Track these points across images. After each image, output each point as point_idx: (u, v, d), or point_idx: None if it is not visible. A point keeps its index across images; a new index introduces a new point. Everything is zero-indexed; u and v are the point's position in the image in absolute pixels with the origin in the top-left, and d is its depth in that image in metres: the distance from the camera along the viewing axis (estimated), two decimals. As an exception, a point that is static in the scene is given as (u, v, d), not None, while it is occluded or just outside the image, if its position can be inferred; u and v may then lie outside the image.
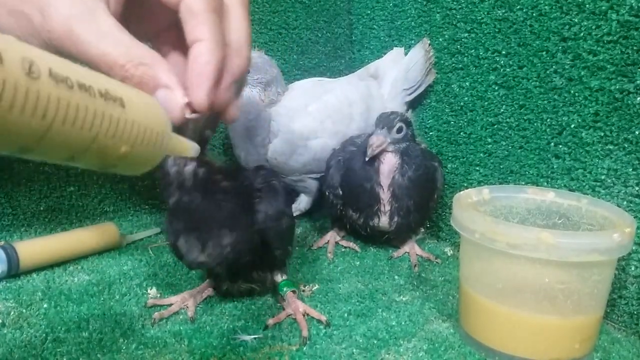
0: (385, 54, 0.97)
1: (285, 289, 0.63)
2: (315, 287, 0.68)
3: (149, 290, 0.65)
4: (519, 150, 0.73)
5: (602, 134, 0.63)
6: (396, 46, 0.96)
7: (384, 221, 0.79)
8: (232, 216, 0.56)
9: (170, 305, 0.62)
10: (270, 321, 0.59)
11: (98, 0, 0.40)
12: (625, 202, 0.61)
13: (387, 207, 0.77)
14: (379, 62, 0.95)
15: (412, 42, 0.92)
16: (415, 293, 0.69)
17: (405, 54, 0.93)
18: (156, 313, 0.60)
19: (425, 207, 0.82)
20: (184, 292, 0.63)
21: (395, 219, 0.78)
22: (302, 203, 0.93)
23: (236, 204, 0.57)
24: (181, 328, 0.58)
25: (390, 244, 0.84)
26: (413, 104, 0.93)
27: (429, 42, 0.88)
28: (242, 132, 0.83)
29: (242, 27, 0.44)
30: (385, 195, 0.77)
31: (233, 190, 0.56)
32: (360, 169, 0.77)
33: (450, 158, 0.85)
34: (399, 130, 0.74)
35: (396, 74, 0.91)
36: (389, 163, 0.75)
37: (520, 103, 0.72)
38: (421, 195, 0.79)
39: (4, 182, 0.79)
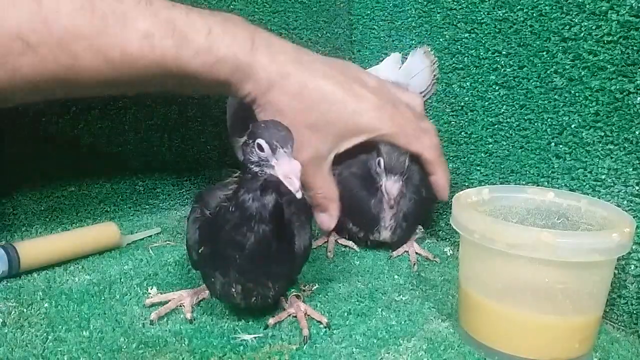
0: (384, 56, 0.97)
1: (291, 290, 0.64)
2: (315, 287, 0.68)
3: (149, 290, 0.65)
4: (519, 150, 0.73)
5: (603, 133, 0.63)
6: (396, 47, 0.96)
7: (385, 235, 0.80)
8: (281, 262, 0.59)
9: (167, 302, 0.62)
10: (271, 320, 0.59)
11: (330, 153, 0.71)
12: (625, 202, 0.61)
13: (390, 224, 0.78)
14: (376, 69, 0.95)
15: (412, 42, 0.91)
16: (415, 292, 0.69)
17: (403, 60, 0.93)
18: (153, 313, 0.60)
19: (426, 215, 0.85)
20: (181, 290, 0.63)
21: (398, 232, 0.79)
22: None
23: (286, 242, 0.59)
24: (181, 327, 0.58)
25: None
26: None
27: (430, 49, 0.88)
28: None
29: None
30: (388, 215, 0.78)
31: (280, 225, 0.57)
32: (362, 194, 0.78)
33: (451, 158, 0.85)
34: (408, 168, 0.75)
35: (394, 80, 0.91)
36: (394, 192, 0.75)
37: (521, 103, 0.72)
38: (424, 209, 0.83)
39: (4, 182, 0.79)
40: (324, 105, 0.68)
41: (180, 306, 0.62)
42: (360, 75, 0.74)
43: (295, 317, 0.61)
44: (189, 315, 0.60)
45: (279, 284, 0.60)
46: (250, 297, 0.58)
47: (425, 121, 0.77)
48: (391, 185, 0.74)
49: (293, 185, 0.50)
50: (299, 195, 0.50)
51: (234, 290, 0.57)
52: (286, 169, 0.51)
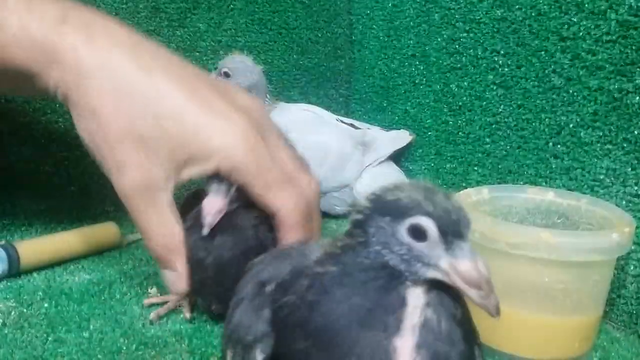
0: (383, 56, 0.97)
1: None
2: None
3: (149, 290, 0.65)
4: (517, 150, 0.73)
5: (601, 133, 0.63)
6: (395, 47, 0.96)
7: None
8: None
9: (166, 303, 0.62)
10: None
11: (169, 182, 0.50)
12: (624, 202, 0.61)
13: None
14: (378, 136, 0.94)
15: (411, 42, 0.92)
16: (415, 292, 0.69)
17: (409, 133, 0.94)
18: (152, 313, 0.60)
19: None
20: None
21: None
22: None
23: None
24: (181, 327, 0.58)
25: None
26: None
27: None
28: None
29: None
30: None
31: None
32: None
33: (448, 158, 0.85)
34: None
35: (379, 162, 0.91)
36: None
37: (519, 103, 0.72)
38: None
39: (4, 182, 0.79)
40: (160, 112, 0.48)
41: (180, 306, 0.62)
42: (230, 90, 0.56)
43: None
44: (188, 315, 0.60)
45: None
46: None
47: (303, 171, 0.55)
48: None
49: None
50: (204, 231, 0.50)
51: (214, 307, 0.57)
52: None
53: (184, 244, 0.52)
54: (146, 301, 0.63)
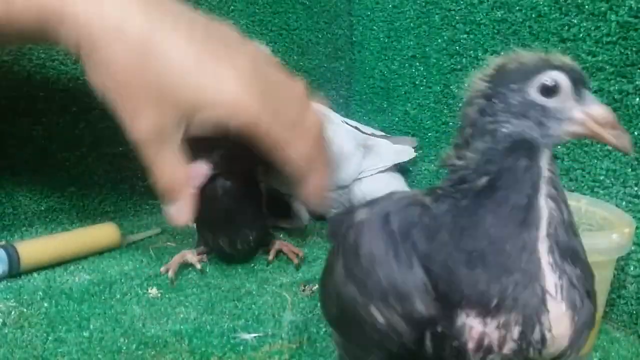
0: (383, 56, 0.97)
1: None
2: (315, 287, 0.68)
3: (149, 290, 0.65)
4: (518, 151, 0.73)
5: (601, 134, 0.63)
6: (395, 48, 0.96)
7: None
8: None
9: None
10: (270, 257, 0.76)
11: (175, 127, 0.51)
12: (624, 203, 0.61)
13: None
14: (382, 144, 0.94)
15: (411, 43, 0.92)
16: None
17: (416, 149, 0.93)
18: (163, 267, 0.70)
19: None
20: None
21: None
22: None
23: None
24: (181, 327, 0.58)
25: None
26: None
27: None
28: None
29: None
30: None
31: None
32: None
33: (449, 159, 0.85)
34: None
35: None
36: None
37: (519, 104, 0.72)
38: None
39: (5, 182, 0.79)
40: (168, 63, 0.50)
41: (185, 262, 0.72)
42: (235, 38, 0.55)
43: (281, 251, 0.77)
44: (199, 265, 0.71)
45: (255, 233, 0.73)
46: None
47: (310, 110, 0.56)
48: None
49: None
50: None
51: (221, 241, 0.71)
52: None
53: (190, 182, 0.55)
54: (163, 268, 0.70)
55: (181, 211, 0.55)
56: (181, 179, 0.55)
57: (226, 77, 0.51)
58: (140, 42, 0.49)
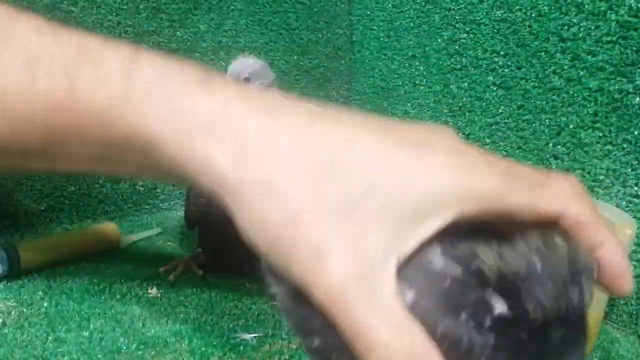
0: (384, 56, 0.97)
1: None
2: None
3: (149, 290, 0.65)
4: (517, 151, 0.73)
5: (601, 134, 0.63)
6: (395, 47, 0.96)
7: None
8: None
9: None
10: None
11: (389, 255, 0.31)
12: (624, 203, 0.61)
13: None
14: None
15: (411, 43, 0.92)
16: (415, 293, 0.69)
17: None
18: (162, 268, 0.69)
19: None
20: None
21: None
22: None
23: None
24: (181, 327, 0.58)
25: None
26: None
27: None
28: None
29: None
30: None
31: None
32: None
33: (449, 158, 0.85)
34: None
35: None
36: None
37: (519, 104, 0.72)
38: None
39: (5, 182, 0.79)
40: (358, 166, 0.32)
41: (188, 265, 0.71)
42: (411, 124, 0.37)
43: None
44: (201, 272, 0.70)
45: None
46: None
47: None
48: None
49: None
50: None
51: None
52: None
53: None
54: (162, 269, 0.70)
55: None
56: (409, 346, 0.30)
57: (444, 165, 0.33)
58: (313, 153, 0.33)
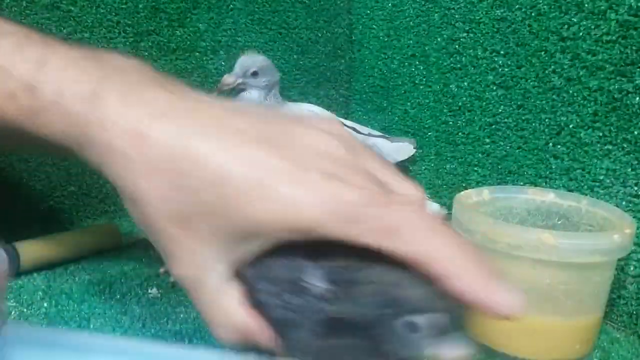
0: (383, 56, 0.97)
1: None
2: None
3: (149, 290, 0.65)
4: (517, 151, 0.73)
5: (601, 134, 0.63)
6: (395, 47, 0.96)
7: None
8: None
9: None
10: None
11: (217, 263, 0.38)
12: (624, 202, 0.61)
13: None
14: (380, 144, 0.93)
15: (411, 42, 0.92)
16: (415, 292, 0.69)
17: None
18: (161, 269, 0.68)
19: None
20: None
21: None
22: None
23: None
24: (182, 327, 0.58)
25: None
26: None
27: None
28: None
29: None
30: None
31: None
32: None
33: (448, 158, 0.85)
34: None
35: None
36: None
37: (519, 103, 0.72)
38: None
39: (4, 182, 0.79)
40: (198, 183, 0.36)
41: None
42: (292, 127, 0.40)
43: None
44: None
45: None
46: None
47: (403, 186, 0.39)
48: None
49: None
50: None
51: None
52: None
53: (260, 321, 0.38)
54: (162, 269, 0.68)
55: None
56: (246, 327, 0.38)
57: (275, 192, 0.35)
58: (164, 161, 0.37)
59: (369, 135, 0.93)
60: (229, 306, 0.39)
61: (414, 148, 0.91)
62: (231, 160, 0.36)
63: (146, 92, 0.40)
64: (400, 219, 0.34)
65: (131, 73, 0.41)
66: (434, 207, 0.82)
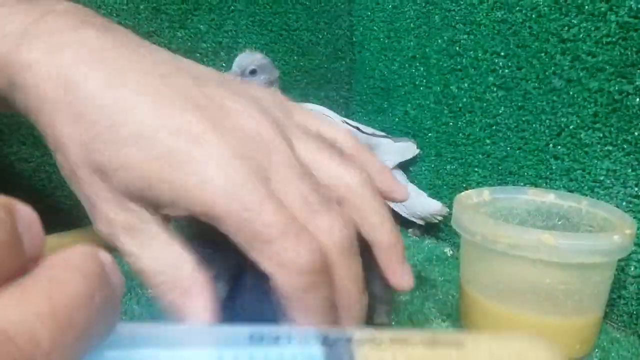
0: (383, 57, 0.97)
1: None
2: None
3: (149, 290, 0.65)
4: (517, 152, 0.73)
5: (601, 135, 0.63)
6: (395, 49, 0.96)
7: None
8: None
9: None
10: None
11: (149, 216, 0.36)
12: (624, 203, 0.61)
13: None
14: (384, 143, 0.93)
15: (411, 44, 0.92)
16: (415, 292, 0.69)
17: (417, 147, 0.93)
18: None
19: None
20: None
21: None
22: None
23: None
24: (182, 328, 0.58)
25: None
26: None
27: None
28: None
29: None
30: None
31: None
32: None
33: (449, 159, 0.85)
34: None
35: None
36: None
37: (519, 104, 0.72)
38: None
39: (4, 182, 0.79)
40: (120, 137, 0.34)
41: None
42: (230, 93, 0.38)
43: None
44: None
45: None
46: None
47: (324, 207, 0.35)
48: None
49: None
50: None
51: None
52: None
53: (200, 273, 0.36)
54: None
55: (203, 309, 0.36)
56: (183, 271, 0.37)
57: (193, 160, 0.34)
58: (91, 110, 0.35)
59: (373, 135, 0.93)
60: (174, 248, 0.37)
61: (417, 149, 0.92)
62: (159, 124, 0.34)
63: (79, 35, 0.38)
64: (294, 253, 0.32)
65: (67, 15, 0.39)
66: (432, 203, 0.83)
